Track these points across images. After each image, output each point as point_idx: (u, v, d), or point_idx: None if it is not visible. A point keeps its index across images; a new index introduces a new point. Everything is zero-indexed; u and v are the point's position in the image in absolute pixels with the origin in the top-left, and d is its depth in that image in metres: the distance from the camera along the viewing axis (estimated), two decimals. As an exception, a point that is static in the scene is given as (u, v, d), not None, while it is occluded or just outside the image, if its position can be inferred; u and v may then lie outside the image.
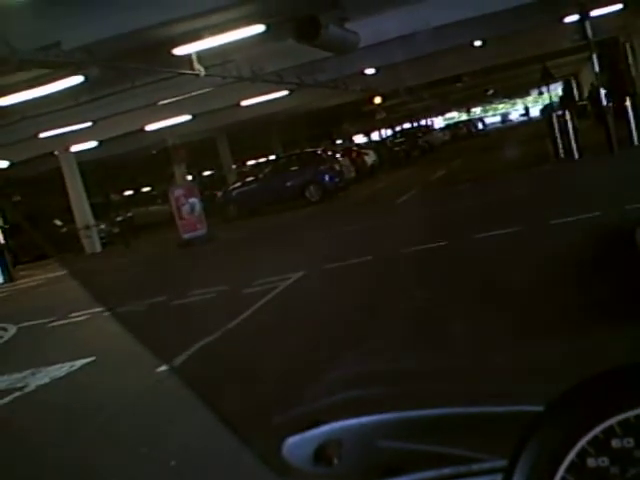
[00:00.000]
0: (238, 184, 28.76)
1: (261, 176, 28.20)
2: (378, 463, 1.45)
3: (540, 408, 1.21)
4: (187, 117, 28.34)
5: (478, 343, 5.52)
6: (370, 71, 25.10)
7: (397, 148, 41.31)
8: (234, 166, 38.59)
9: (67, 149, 27.18)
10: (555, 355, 4.18)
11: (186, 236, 20.58)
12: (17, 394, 7.38)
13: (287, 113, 33.52)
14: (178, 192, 21.01)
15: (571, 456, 1.16)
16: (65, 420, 6.35)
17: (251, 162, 43.85)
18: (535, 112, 65.43)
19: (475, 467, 1.33)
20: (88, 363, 8.09)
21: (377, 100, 35.20)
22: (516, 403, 1.34)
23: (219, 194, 29.19)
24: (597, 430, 1.15)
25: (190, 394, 6.17)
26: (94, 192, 29.53)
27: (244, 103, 26.85)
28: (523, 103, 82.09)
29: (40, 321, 11.91)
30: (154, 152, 35.44)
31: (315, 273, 11.29)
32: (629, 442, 1.13)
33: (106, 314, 11.36)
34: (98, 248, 26.83)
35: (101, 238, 27.47)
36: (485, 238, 10.66)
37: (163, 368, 7.15)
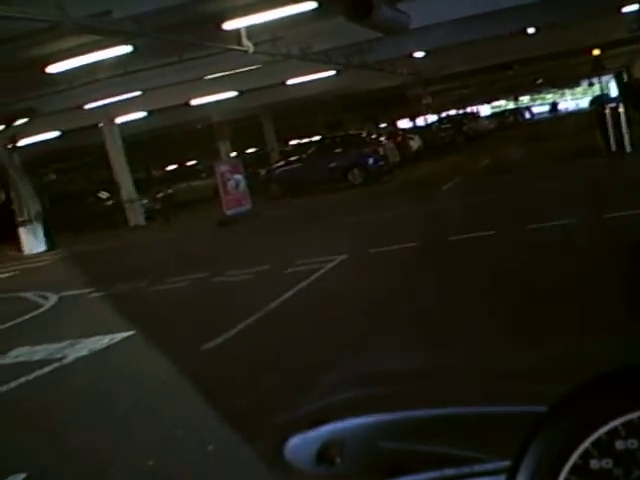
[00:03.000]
0: (281, 163, 28.62)
1: (304, 156, 28.00)
2: (380, 463, 1.44)
3: (544, 409, 1.19)
4: (233, 93, 28.23)
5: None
6: (419, 54, 24.68)
7: (442, 134, 40.77)
8: (278, 145, 38.41)
9: (112, 121, 27.24)
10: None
11: (230, 212, 20.48)
12: (55, 365, 7.31)
13: (333, 94, 33.19)
14: (223, 168, 20.94)
15: (575, 457, 1.15)
16: (96, 396, 6.24)
17: (295, 142, 43.55)
18: (584, 103, 64.21)
19: (478, 468, 1.32)
20: (128, 337, 7.98)
21: (424, 85, 34.77)
22: (519, 404, 1.34)
23: (262, 172, 29.07)
24: (601, 431, 1.14)
25: (228, 376, 6.08)
26: (137, 166, 29.62)
27: (290, 82, 26.62)
28: (572, 94, 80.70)
29: (81, 291, 11.88)
30: (199, 127, 35.39)
31: (358, 257, 11.08)
32: (633, 443, 1.13)
33: (148, 288, 11.30)
34: (142, 221, 26.90)
35: (144, 212, 27.54)
36: (535, 230, 10.33)
37: (208, 346, 7.02)
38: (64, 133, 28.99)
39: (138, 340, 7.78)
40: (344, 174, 25.78)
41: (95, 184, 30.93)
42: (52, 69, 17.07)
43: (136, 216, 26.76)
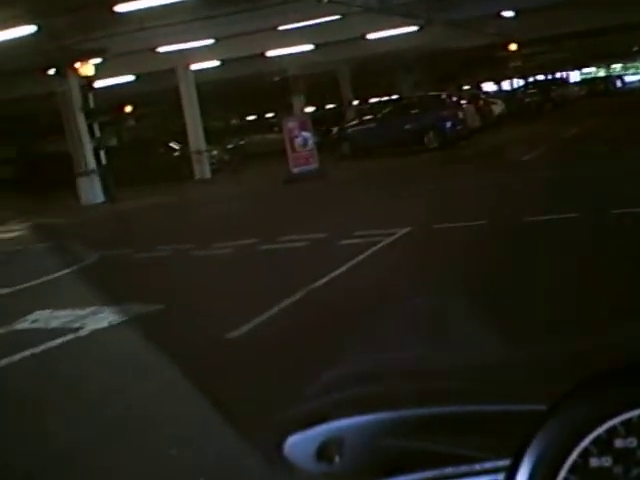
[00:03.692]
0: (355, 122, 27.48)
1: (379, 116, 26.80)
2: (380, 461, 1.42)
3: (543, 407, 1.18)
4: (309, 47, 27.25)
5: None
6: (508, 14, 23.17)
7: (528, 100, 38.91)
8: (354, 102, 37.17)
9: (186, 67, 26.53)
10: None
11: (296, 170, 19.66)
12: (70, 337, 6.60)
13: (414, 51, 31.83)
14: (292, 124, 20.04)
15: (574, 456, 1.15)
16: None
17: (371, 100, 42.18)
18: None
19: (477, 466, 1.31)
20: (158, 311, 7.21)
21: (512, 47, 32.98)
22: (519, 402, 1.29)
23: (334, 130, 28.03)
24: (600, 430, 1.13)
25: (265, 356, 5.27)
26: (209, 115, 28.94)
27: (370, 37, 25.45)
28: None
29: (124, 251, 11.21)
30: (275, 80, 34.51)
31: (422, 231, 10.09)
32: (632, 442, 1.12)
33: (192, 252, 10.57)
34: (207, 174, 26.28)
35: (211, 164, 26.89)
36: (627, 214, 9.05)
37: (231, 335, 6.19)
38: (137, 77, 28.48)
39: (169, 315, 7.00)
40: (420, 137, 24.53)
41: (168, 133, 30.42)
42: (121, 8, 16.43)
43: (202, 168, 26.14)
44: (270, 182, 20.54)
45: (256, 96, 36.34)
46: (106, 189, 21.31)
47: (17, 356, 6.15)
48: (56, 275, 9.74)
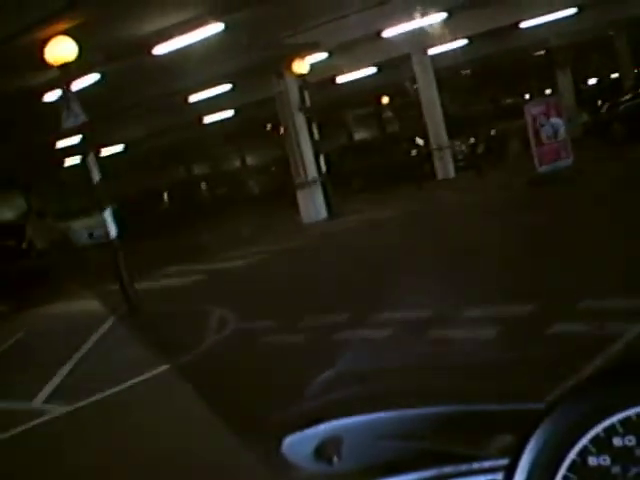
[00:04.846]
0: (628, 96, 22.44)
1: None
2: (378, 461, 1.44)
3: (541, 406, 1.20)
4: (571, 11, 22.90)
5: None
6: None
7: None
8: (633, 72, 31.43)
9: (423, 51, 23.23)
10: None
11: (543, 168, 15.71)
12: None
13: None
14: (536, 109, 15.93)
15: (572, 454, 1.16)
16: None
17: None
18: None
19: (476, 465, 1.33)
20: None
21: None
22: (517, 401, 1.32)
23: (604, 109, 23.23)
24: (598, 428, 1.15)
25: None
26: (452, 104, 25.47)
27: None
28: None
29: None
30: (538, 54, 30.09)
31: None
32: (630, 440, 1.14)
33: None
34: (451, 173, 22.88)
35: (457, 161, 23.44)
36: None
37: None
38: (379, 69, 25.78)
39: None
40: None
41: (411, 129, 27.38)
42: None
43: (445, 167, 22.76)
44: (515, 182, 16.74)
45: (510, 76, 31.94)
46: (328, 202, 18.72)
47: None
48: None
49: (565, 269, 7.83)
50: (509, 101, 31.64)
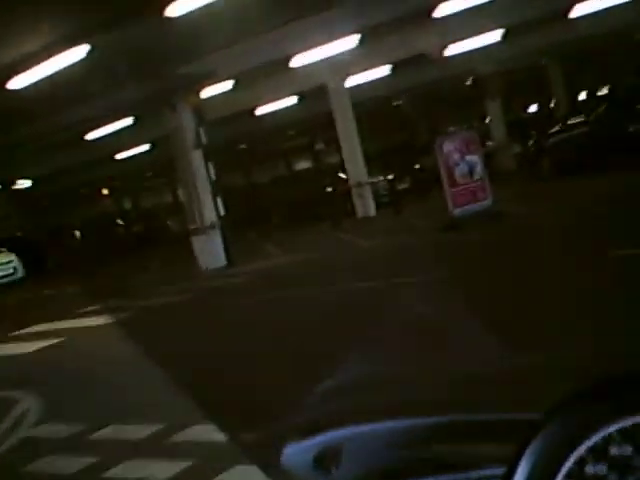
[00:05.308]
0: (557, 128, 20.93)
1: (592, 117, 20.02)
2: (377, 470, 1.44)
3: (539, 416, 1.20)
4: (497, 35, 21.63)
5: None
6: None
7: None
8: (567, 100, 30.14)
9: (341, 81, 21.52)
10: None
11: (457, 212, 14.01)
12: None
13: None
14: (449, 145, 14.20)
15: (570, 463, 1.17)
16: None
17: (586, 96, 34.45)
18: None
19: (474, 474, 1.35)
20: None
21: None
22: (515, 411, 1.33)
23: (530, 143, 21.77)
24: (596, 437, 1.17)
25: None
26: (374, 139, 23.87)
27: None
28: None
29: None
30: (468, 83, 28.73)
31: None
32: (628, 450, 1.15)
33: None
34: (372, 211, 21.16)
35: (381, 196, 21.75)
36: None
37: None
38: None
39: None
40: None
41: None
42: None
43: (365, 204, 21.04)
44: (430, 225, 15.05)
45: (445, 106, 30.47)
46: (227, 248, 16.79)
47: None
48: None
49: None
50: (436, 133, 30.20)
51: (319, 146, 35.38)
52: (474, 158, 14.23)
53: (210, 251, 16.75)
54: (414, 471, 1.40)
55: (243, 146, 30.30)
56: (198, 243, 16.97)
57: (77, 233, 31.35)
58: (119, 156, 28.09)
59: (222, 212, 16.63)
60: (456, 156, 14.05)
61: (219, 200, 16.61)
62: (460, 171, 14.04)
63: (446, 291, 8.15)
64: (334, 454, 1.44)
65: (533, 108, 36.81)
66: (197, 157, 16.69)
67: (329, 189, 22.19)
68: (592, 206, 12.82)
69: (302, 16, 14.05)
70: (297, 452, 1.47)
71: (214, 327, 9.89)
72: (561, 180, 18.41)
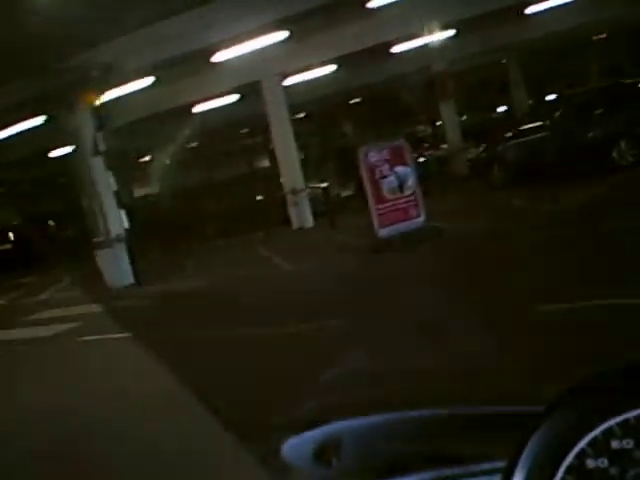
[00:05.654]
0: (510, 134, 19.17)
1: (548, 123, 18.25)
2: (377, 463, 1.42)
3: (540, 409, 1.17)
4: (449, 32, 20.04)
5: None
6: None
7: None
8: (527, 105, 28.44)
9: (279, 78, 19.60)
10: None
11: (384, 232, 12.18)
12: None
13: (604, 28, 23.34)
14: (374, 156, 12.31)
15: (570, 457, 1.15)
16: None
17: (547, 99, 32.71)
18: None
19: (474, 468, 1.31)
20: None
21: None
22: (516, 404, 1.29)
23: (479, 150, 20.06)
24: (596, 431, 1.14)
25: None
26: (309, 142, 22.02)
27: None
28: None
29: None
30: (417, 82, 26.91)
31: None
32: (628, 443, 1.12)
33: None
34: (309, 222, 19.26)
35: (320, 205, 19.85)
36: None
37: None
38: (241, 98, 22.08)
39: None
40: (605, 149, 15.98)
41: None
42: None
43: (301, 214, 19.14)
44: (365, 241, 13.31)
45: (382, 110, 28.51)
46: (134, 265, 14.86)
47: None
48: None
49: None
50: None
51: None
52: (405, 170, 12.38)
53: (117, 267, 14.84)
54: (414, 464, 1.34)
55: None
56: (103, 258, 15.03)
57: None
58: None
59: (126, 225, 14.71)
60: (384, 168, 12.18)
61: (122, 212, 14.66)
62: (388, 185, 12.19)
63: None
64: (335, 447, 1.41)
65: (499, 110, 35.05)
66: (98, 164, 14.70)
67: (259, 197, 20.28)
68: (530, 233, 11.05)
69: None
70: (297, 445, 1.42)
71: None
72: (513, 189, 16.78)
